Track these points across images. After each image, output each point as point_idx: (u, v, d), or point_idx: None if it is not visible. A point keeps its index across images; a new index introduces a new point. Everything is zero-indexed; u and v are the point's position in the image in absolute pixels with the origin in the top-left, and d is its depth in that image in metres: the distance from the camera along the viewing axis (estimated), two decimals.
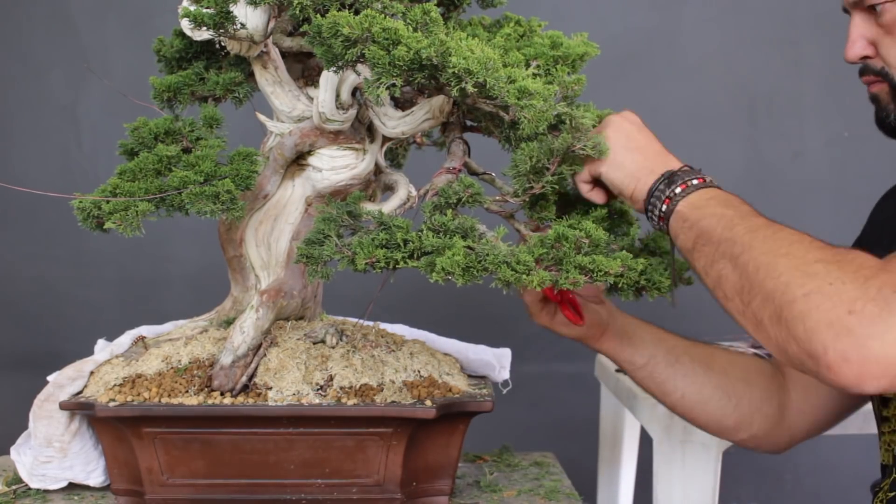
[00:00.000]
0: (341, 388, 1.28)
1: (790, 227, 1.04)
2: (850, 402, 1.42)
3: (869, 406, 1.39)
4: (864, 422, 1.64)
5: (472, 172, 1.36)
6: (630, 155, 1.19)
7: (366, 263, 1.12)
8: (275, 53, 1.37)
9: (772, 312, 0.97)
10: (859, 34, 1.23)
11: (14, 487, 1.40)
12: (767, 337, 0.99)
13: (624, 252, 1.16)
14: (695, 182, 1.14)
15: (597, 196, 1.24)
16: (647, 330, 1.41)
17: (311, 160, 1.38)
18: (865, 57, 1.24)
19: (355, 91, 1.34)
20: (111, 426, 1.30)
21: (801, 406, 1.41)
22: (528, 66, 1.23)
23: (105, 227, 1.20)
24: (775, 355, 1.00)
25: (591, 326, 1.36)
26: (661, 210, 1.14)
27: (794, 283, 0.96)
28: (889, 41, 1.21)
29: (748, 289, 1.01)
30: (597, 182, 1.23)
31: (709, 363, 1.40)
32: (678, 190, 1.13)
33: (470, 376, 1.44)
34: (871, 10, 1.20)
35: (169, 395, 1.27)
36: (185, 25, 1.29)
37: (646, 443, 2.35)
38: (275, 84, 1.37)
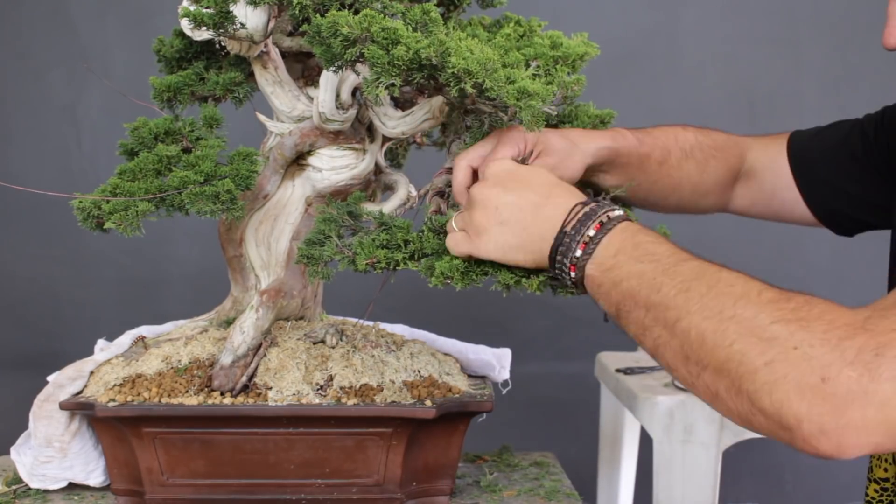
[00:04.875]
0: (341, 388, 1.28)
1: (721, 269, 0.90)
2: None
3: None
4: None
5: None
6: (508, 232, 1.02)
7: (366, 264, 1.12)
8: (275, 53, 1.37)
9: (728, 384, 0.84)
10: None
11: (14, 487, 1.40)
12: (727, 409, 0.86)
13: None
14: (591, 234, 0.97)
15: None
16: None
17: (311, 160, 1.38)
18: None
19: (355, 91, 1.34)
20: (111, 426, 1.30)
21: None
22: (527, 66, 1.23)
23: (105, 227, 1.20)
24: (739, 425, 0.87)
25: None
26: (572, 279, 0.99)
27: (750, 351, 0.82)
28: None
29: (695, 359, 0.87)
30: None
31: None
32: (578, 252, 0.98)
33: (470, 376, 1.44)
34: None
35: (169, 395, 1.27)
36: (185, 25, 1.29)
37: (646, 443, 2.35)
38: (275, 84, 1.37)
